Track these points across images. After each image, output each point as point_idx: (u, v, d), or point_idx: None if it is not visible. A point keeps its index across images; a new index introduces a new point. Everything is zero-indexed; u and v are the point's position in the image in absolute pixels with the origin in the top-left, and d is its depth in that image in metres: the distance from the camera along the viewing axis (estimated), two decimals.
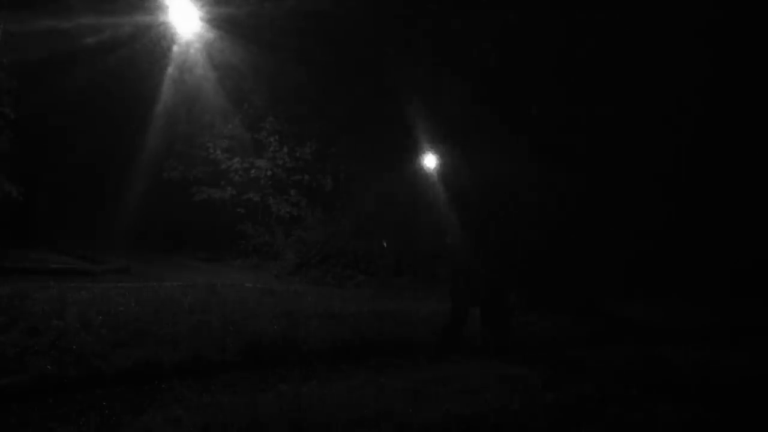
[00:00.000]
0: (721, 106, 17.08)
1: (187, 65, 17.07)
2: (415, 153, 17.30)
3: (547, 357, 8.55)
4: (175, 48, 16.71)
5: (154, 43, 16.46)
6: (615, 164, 16.78)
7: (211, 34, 16.46)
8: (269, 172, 17.59)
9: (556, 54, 14.96)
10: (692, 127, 16.93)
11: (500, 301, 8.43)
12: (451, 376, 6.48)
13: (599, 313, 13.43)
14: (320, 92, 17.70)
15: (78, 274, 11.16)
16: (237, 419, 4.57)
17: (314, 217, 17.16)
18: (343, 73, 17.80)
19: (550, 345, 10.24)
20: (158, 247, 17.19)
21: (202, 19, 15.98)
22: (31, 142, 15.28)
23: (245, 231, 17.19)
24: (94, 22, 14.63)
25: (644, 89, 16.78)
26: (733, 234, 16.90)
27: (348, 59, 17.60)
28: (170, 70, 16.88)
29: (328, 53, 17.43)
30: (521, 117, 14.45)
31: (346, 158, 18.09)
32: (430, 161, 17.51)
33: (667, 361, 8.29)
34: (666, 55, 16.49)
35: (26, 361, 5.62)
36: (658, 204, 17.14)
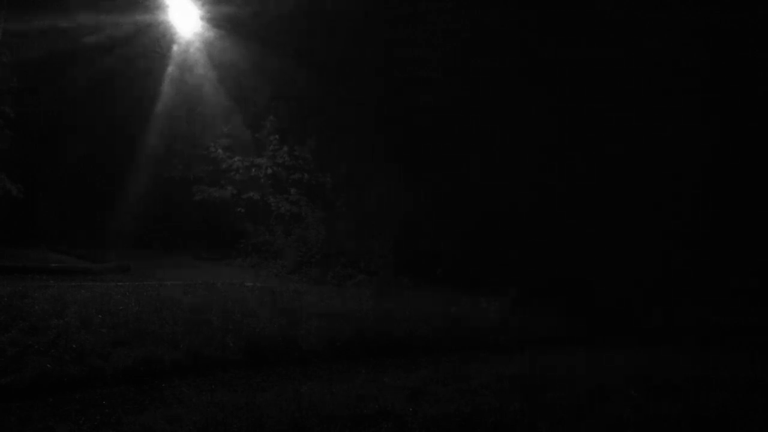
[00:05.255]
0: (721, 109, 17.13)
1: (188, 64, 17.05)
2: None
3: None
4: (175, 47, 16.70)
5: (154, 43, 16.45)
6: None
7: (211, 33, 16.46)
8: (269, 171, 17.56)
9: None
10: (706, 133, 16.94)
11: None
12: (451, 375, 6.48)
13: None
14: (321, 91, 17.68)
15: (78, 273, 11.16)
16: (237, 418, 4.57)
17: (314, 216, 17.12)
18: (343, 72, 17.79)
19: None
20: (158, 246, 17.15)
21: (202, 18, 15.99)
22: (32, 141, 15.27)
23: (245, 230, 17.16)
24: (94, 21, 14.63)
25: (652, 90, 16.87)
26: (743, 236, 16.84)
27: (348, 58, 17.60)
28: (170, 69, 16.85)
29: (329, 52, 17.42)
30: None
31: (347, 157, 18.07)
32: None
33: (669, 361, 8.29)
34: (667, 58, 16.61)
35: (26, 360, 5.63)
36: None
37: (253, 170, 17.55)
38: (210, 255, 16.64)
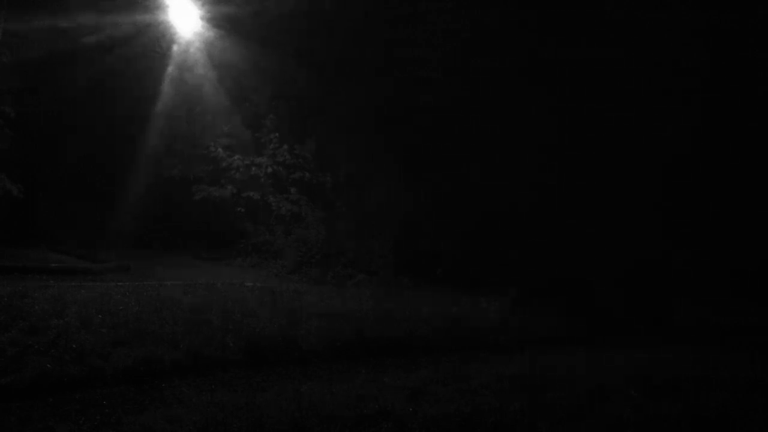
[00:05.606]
0: (721, 109, 17.18)
1: (188, 64, 17.05)
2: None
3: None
4: (175, 47, 16.69)
5: (154, 42, 16.44)
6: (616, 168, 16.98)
7: (211, 33, 16.45)
8: (269, 170, 17.57)
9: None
10: (692, 127, 17.04)
11: None
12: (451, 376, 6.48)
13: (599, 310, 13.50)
14: (321, 91, 17.68)
15: (78, 273, 11.15)
16: (237, 418, 4.57)
17: (314, 216, 17.13)
18: (343, 72, 17.79)
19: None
20: (158, 246, 17.16)
21: (202, 18, 15.99)
22: (32, 141, 15.27)
23: (245, 230, 17.17)
24: (94, 21, 14.62)
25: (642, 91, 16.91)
26: (735, 235, 16.91)
27: (348, 58, 17.60)
28: (170, 69, 16.85)
29: (329, 52, 17.42)
30: None
31: (347, 157, 18.08)
32: None
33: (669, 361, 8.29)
34: (663, 58, 16.67)
35: (26, 360, 5.62)
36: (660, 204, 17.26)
37: (253, 169, 17.55)
38: (210, 255, 16.64)
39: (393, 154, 17.16)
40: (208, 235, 17.69)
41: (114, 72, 16.06)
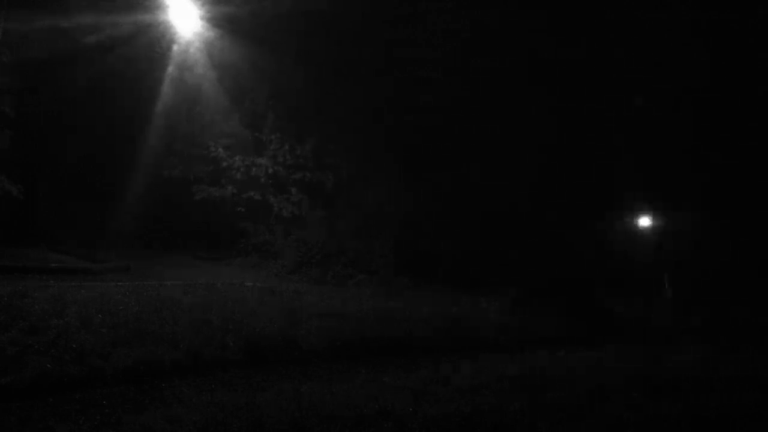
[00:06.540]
0: (721, 109, 17.21)
1: (187, 64, 17.03)
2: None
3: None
4: (175, 47, 16.68)
5: (154, 43, 16.43)
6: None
7: (211, 33, 16.44)
8: (270, 170, 17.56)
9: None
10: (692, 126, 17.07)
11: None
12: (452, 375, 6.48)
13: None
14: (320, 91, 17.67)
15: (78, 272, 11.14)
16: (237, 418, 4.57)
17: (315, 216, 17.14)
18: (341, 72, 17.78)
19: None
20: (158, 246, 17.15)
21: (202, 18, 15.97)
22: (32, 141, 15.26)
23: (245, 230, 17.17)
24: (94, 21, 14.61)
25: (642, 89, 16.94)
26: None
27: (347, 59, 17.59)
28: (170, 69, 16.83)
29: (328, 52, 17.42)
30: None
31: (347, 157, 18.07)
32: None
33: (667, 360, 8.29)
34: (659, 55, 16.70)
35: (26, 360, 5.62)
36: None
37: (254, 170, 17.54)
38: (210, 255, 16.64)
39: (393, 154, 17.15)
40: (208, 235, 17.67)
41: (114, 72, 16.04)
